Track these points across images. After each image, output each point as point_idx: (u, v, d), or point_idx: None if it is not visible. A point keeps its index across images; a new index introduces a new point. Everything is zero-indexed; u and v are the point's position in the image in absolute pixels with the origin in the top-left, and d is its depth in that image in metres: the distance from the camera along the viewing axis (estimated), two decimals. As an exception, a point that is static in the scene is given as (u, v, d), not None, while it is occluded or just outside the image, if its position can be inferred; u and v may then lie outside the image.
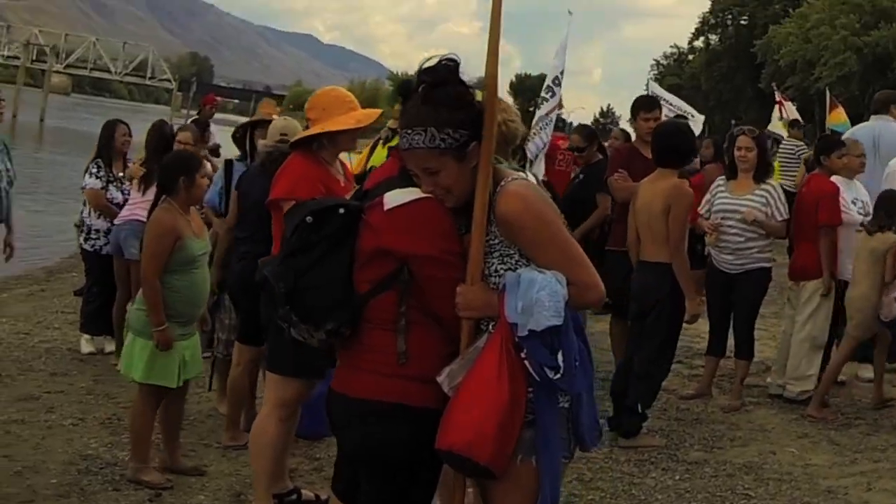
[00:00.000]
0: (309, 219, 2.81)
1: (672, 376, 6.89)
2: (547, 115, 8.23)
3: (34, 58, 78.80)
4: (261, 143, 5.57)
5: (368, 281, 2.78)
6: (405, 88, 2.79)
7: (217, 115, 13.30)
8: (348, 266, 2.80)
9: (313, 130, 4.40)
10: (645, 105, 7.25)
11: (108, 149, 7.32)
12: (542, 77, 9.80)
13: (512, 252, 2.75)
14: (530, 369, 2.60)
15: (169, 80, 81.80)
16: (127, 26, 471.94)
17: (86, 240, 7.34)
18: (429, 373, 2.71)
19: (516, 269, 2.71)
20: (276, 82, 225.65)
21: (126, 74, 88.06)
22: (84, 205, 7.40)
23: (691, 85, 63.92)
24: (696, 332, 7.99)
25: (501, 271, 2.74)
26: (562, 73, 8.38)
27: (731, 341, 7.09)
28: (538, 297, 2.57)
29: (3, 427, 5.57)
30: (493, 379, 2.58)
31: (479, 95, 2.78)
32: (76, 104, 68.41)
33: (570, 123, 38.40)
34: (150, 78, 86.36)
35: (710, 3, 66.72)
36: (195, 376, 5.20)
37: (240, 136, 6.26)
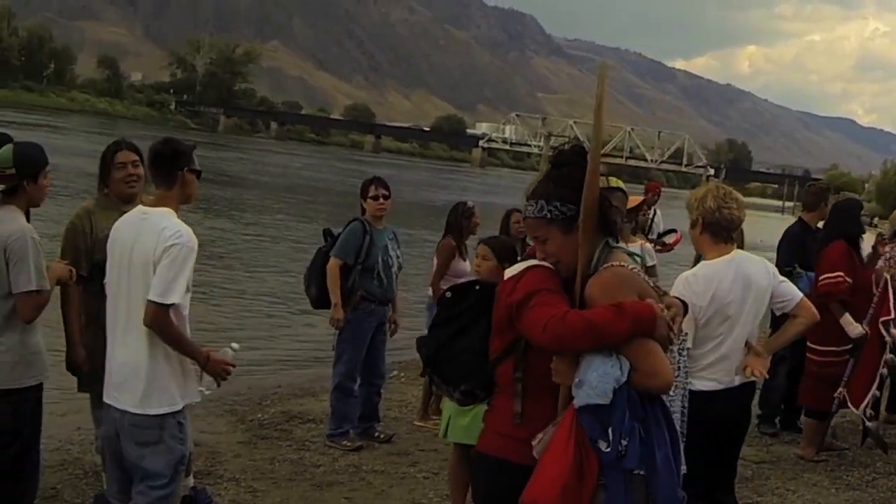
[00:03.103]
0: (448, 294, 3.19)
1: None
2: None
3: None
4: None
5: (496, 349, 3.01)
6: None
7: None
8: (484, 336, 3.06)
9: None
10: None
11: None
12: None
13: None
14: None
15: (704, 167, 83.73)
16: (665, 115, 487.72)
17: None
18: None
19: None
20: (816, 166, 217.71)
21: (662, 161, 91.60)
22: None
23: None
24: None
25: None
26: None
27: None
28: (588, 377, 2.71)
29: (360, 474, 6.17)
30: (563, 443, 2.74)
31: None
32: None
33: None
34: (686, 165, 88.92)
35: None
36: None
37: None
